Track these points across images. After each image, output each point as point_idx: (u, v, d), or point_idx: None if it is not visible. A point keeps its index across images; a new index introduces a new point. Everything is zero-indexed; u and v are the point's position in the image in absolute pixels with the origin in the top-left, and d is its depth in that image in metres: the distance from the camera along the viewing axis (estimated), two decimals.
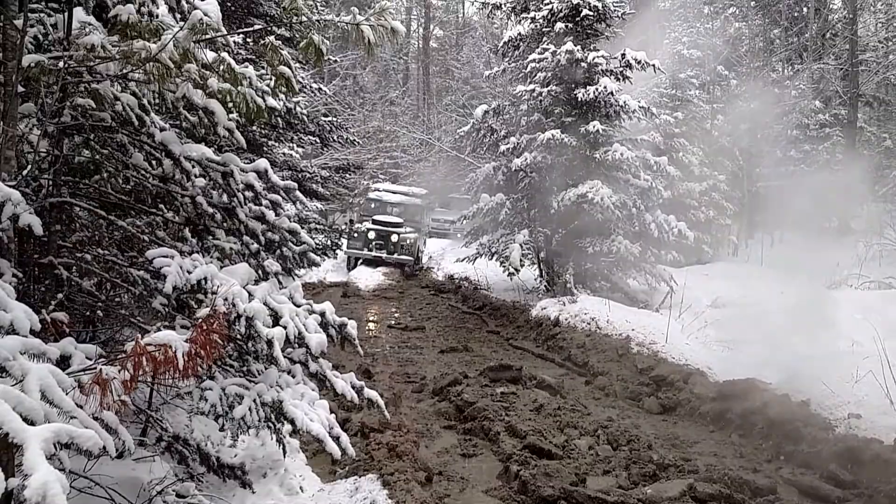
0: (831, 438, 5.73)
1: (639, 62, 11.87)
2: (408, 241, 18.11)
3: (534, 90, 12.23)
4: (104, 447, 2.31)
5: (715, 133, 19.22)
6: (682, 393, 7.30)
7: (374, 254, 17.76)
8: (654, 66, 12.23)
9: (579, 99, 11.56)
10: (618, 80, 12.09)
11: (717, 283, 12.87)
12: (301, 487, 5.11)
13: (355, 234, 17.93)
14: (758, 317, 10.24)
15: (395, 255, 17.87)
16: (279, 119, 8.36)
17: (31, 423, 1.99)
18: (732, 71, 22.03)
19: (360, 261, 18.17)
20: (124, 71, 3.42)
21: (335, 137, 13.22)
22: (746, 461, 5.82)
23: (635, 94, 16.26)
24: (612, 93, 11.37)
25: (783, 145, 21.59)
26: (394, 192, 20.79)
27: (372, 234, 17.92)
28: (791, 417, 6.08)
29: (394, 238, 17.99)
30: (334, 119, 14.35)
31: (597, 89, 11.34)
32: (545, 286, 12.82)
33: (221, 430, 4.20)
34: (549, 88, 12.20)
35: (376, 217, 18.58)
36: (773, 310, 10.63)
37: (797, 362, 7.37)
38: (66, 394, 2.36)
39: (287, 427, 3.95)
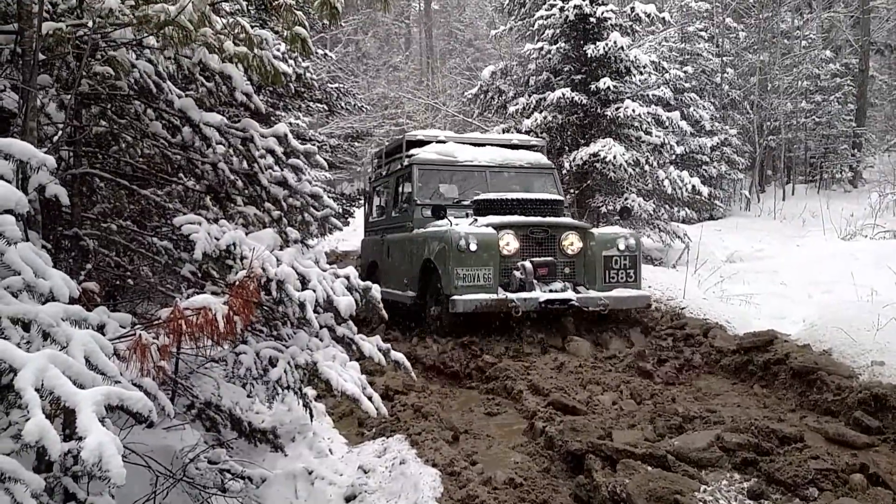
0: (855, 386, 5.72)
1: (648, 15, 11.70)
2: (620, 247, 7.55)
3: (542, 48, 12.08)
4: (149, 412, 2.33)
5: (725, 87, 19.00)
6: (703, 346, 7.31)
7: (544, 295, 7.08)
8: (663, 19, 12.08)
9: (589, 55, 11.40)
10: (627, 34, 11.93)
11: (731, 237, 12.84)
12: (330, 450, 5.17)
13: (464, 247, 6.86)
14: (774, 270, 10.23)
15: (599, 291, 7.42)
16: (290, 85, 8.27)
17: (81, 387, 2.00)
18: (741, 23, 21.67)
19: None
20: (139, 36, 3.37)
21: (343, 104, 13.10)
22: (771, 411, 5.83)
23: (644, 48, 16.06)
24: (622, 48, 11.21)
25: (793, 97, 21.32)
26: (479, 146, 8.88)
27: (511, 244, 7.21)
28: (813, 367, 6.07)
29: (572, 243, 7.52)
30: (341, 86, 14.20)
31: (606, 45, 11.17)
32: None
33: (249, 396, 4.24)
34: (557, 46, 12.05)
35: (485, 197, 7.72)
36: (789, 263, 10.61)
37: (816, 313, 7.36)
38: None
39: (312, 392, 3.97)
